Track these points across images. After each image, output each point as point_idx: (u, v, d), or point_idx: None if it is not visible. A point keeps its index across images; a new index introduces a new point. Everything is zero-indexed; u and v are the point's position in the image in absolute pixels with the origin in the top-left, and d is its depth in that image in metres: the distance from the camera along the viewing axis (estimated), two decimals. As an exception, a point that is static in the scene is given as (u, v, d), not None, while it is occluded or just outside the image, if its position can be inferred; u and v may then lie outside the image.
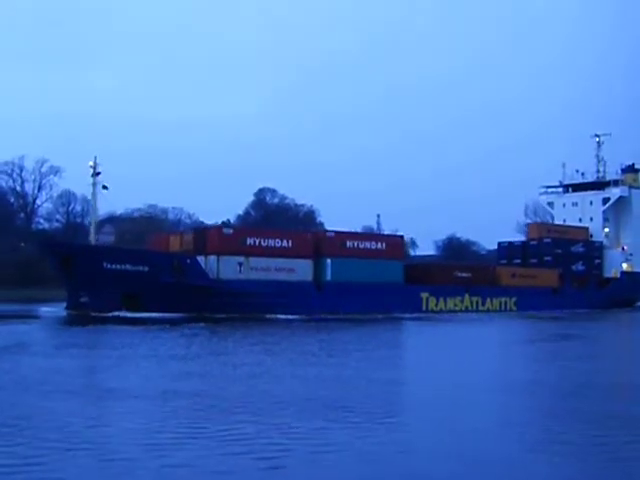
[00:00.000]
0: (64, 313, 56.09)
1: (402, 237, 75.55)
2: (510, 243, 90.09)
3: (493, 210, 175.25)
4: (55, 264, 58.09)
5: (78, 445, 13.47)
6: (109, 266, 55.43)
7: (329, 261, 64.00)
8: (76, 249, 57.22)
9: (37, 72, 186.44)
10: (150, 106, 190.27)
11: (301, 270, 62.40)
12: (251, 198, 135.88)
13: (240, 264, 59.31)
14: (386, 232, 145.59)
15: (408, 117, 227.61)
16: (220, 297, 56.68)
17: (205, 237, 60.21)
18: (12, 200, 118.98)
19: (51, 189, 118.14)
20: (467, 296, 72.75)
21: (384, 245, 67.84)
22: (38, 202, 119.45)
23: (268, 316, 55.85)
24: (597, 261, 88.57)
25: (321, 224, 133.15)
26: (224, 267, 58.46)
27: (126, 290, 54.76)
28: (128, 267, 55.71)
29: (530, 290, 76.39)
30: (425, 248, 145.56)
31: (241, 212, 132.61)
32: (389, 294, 65.78)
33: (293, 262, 61.88)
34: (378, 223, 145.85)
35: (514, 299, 76.16)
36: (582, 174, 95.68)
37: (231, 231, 61.19)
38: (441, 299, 70.83)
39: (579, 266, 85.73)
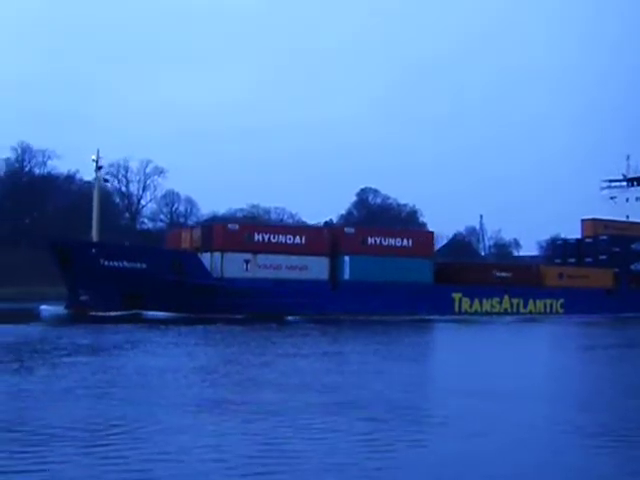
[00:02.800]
0: (63, 312, 53.85)
1: (432, 233, 70.29)
2: (564, 241, 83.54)
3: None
4: (55, 261, 55.75)
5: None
6: (107, 263, 52.78)
7: (347, 259, 59.59)
8: (73, 245, 54.80)
9: (143, 73, 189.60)
10: (257, 111, 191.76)
11: (315, 268, 58.23)
12: (354, 198, 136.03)
13: (247, 262, 55.68)
14: (489, 233, 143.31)
15: (505, 111, 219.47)
16: (224, 297, 53.26)
17: (211, 233, 56.94)
18: (117, 201, 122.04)
19: (155, 189, 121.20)
20: (506, 297, 66.94)
21: (411, 242, 62.84)
22: (143, 202, 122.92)
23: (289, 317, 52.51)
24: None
25: (423, 224, 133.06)
26: (228, 265, 54.94)
27: (124, 288, 51.98)
28: (126, 264, 52.92)
29: (580, 291, 69.80)
30: (529, 248, 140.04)
31: (344, 212, 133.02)
32: (416, 295, 60.84)
33: (306, 259, 57.78)
34: (481, 223, 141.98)
35: (561, 301, 69.78)
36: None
37: (237, 226, 57.59)
38: (476, 300, 65.30)
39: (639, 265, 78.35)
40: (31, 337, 35.45)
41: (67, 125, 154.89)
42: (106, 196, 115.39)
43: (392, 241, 62.04)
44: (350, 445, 13.66)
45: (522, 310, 67.43)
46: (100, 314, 50.12)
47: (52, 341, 33.26)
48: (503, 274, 67.38)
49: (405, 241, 62.65)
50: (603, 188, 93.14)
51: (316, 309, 56.18)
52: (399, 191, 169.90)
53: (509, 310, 66.69)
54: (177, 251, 57.17)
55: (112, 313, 49.57)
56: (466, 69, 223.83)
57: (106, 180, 56.78)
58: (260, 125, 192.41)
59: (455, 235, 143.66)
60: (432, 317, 58.90)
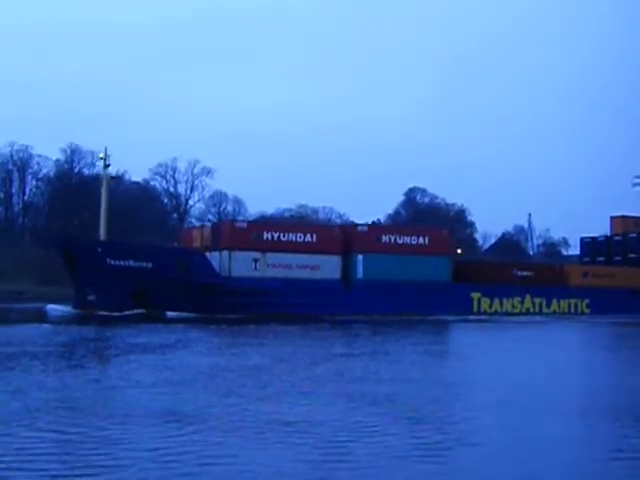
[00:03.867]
0: (71, 312, 53.16)
1: (450, 231, 68.45)
2: (593, 239, 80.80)
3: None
4: (62, 260, 55.16)
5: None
6: (113, 262, 52.01)
7: (361, 257, 58.03)
8: (78, 244, 54.14)
9: (191, 75, 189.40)
10: (305, 112, 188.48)
11: (327, 267, 56.77)
12: (401, 198, 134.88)
13: (255, 260, 54.45)
14: (537, 231, 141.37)
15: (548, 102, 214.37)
16: (231, 296, 52.12)
17: (220, 231, 55.86)
18: (166, 201, 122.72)
19: (203, 190, 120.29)
20: (528, 297, 64.74)
21: (427, 240, 61.03)
22: (190, 202, 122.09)
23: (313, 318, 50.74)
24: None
25: (471, 223, 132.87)
26: (236, 263, 53.74)
27: (130, 288, 51.15)
28: (132, 263, 52.08)
29: (607, 291, 67.17)
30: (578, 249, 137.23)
31: (391, 212, 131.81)
32: (432, 294, 59.03)
33: (318, 258, 56.34)
34: (529, 222, 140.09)
35: (586, 301, 67.32)
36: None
37: (245, 224, 56.40)
38: (496, 300, 63.24)
39: (671, 265, 75.27)
40: (75, 337, 34.98)
41: (116, 126, 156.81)
42: (154, 197, 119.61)
43: (407, 239, 60.31)
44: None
45: (545, 310, 65.18)
46: (107, 314, 49.60)
47: (98, 340, 33.42)
48: (524, 273, 65.22)
49: (421, 239, 60.88)
50: (635, 185, 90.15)
51: (328, 309, 54.77)
52: (447, 190, 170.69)
53: (531, 310, 64.50)
54: (184, 250, 56.21)
55: (118, 313, 49.02)
56: (509, 64, 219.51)
57: (113, 177, 55.36)
58: (309, 125, 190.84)
59: (503, 234, 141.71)
60: (450, 317, 57.15)
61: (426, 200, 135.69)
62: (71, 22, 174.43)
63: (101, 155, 55.61)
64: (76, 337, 35.28)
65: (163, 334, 36.79)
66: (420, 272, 59.19)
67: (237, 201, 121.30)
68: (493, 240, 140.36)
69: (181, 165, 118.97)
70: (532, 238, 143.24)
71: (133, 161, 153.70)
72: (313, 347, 33.00)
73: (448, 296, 60.06)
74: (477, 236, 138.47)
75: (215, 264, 54.40)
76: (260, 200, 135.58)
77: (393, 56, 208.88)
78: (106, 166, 55.74)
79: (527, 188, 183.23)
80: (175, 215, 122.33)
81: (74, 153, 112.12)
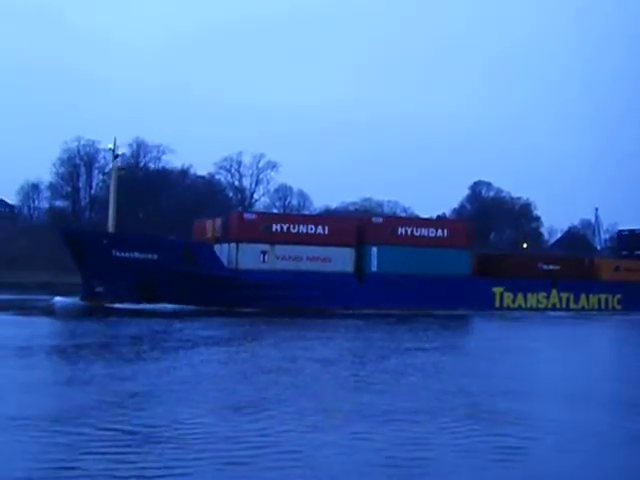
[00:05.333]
0: (78, 304, 52.47)
1: (471, 223, 65.89)
2: (631, 232, 77.18)
3: None
4: (69, 252, 54.53)
5: None
6: (119, 254, 51.13)
7: (375, 250, 56.10)
8: (85, 236, 53.43)
9: (257, 73, 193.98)
10: (370, 106, 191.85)
11: (339, 260, 54.97)
12: (466, 192, 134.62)
13: (264, 253, 52.96)
14: (605, 226, 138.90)
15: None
16: (237, 289, 50.76)
17: (229, 223, 54.54)
18: (231, 195, 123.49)
19: (268, 183, 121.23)
20: (554, 292, 61.91)
21: (446, 232, 58.69)
22: (255, 196, 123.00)
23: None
24: None
25: (537, 217, 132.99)
26: (243, 256, 52.33)
27: (136, 280, 50.30)
28: (137, 255, 51.12)
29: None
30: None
31: (456, 206, 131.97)
32: (452, 288, 56.81)
33: (330, 251, 54.58)
34: (596, 217, 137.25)
35: (618, 296, 64.14)
36: None
37: (254, 216, 54.74)
38: (519, 295, 60.57)
39: None
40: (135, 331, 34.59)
41: (182, 123, 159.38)
42: (219, 190, 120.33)
43: (425, 231, 58.08)
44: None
45: (572, 306, 62.25)
46: (114, 306, 48.82)
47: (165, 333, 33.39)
48: (550, 267, 62.37)
49: (440, 231, 58.59)
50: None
51: (341, 303, 53.15)
52: (513, 184, 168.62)
53: (557, 306, 61.66)
54: (189, 242, 55.04)
55: (125, 305, 48.24)
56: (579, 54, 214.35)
57: (122, 169, 54.50)
58: (373, 119, 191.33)
59: (570, 229, 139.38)
60: (471, 312, 55.08)
61: (491, 194, 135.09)
62: (138, 21, 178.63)
63: (110, 146, 54.86)
64: (144, 330, 34.89)
65: (249, 327, 37.72)
66: (438, 265, 57.02)
67: (302, 195, 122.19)
68: (559, 235, 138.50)
69: (246, 159, 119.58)
70: (599, 232, 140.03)
71: (199, 156, 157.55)
72: (384, 340, 32.86)
73: (468, 291, 57.76)
74: (543, 230, 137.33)
75: (224, 256, 53.19)
76: (325, 194, 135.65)
77: (454, 50, 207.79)
78: (115, 157, 54.91)
79: (595, 181, 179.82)
80: (240, 209, 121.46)
81: (140, 147, 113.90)
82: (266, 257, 52.92)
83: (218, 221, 56.83)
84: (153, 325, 37.24)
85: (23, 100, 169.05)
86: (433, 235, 58.22)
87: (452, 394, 18.00)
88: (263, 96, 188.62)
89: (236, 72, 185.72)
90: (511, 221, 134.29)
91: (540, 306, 60.98)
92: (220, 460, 11.37)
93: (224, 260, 53.03)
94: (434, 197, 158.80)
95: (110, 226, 54.79)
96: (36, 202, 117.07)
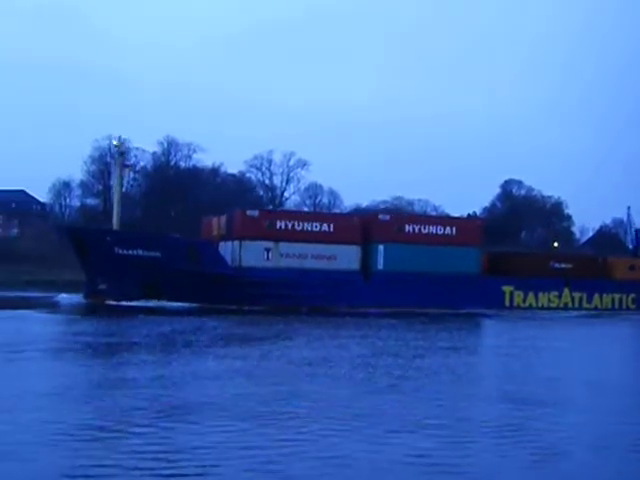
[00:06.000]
0: (82, 301, 52.40)
1: (480, 220, 64.79)
2: None
3: None
4: (73, 249, 54.39)
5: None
6: (122, 252, 50.90)
7: (381, 247, 55.31)
8: (88, 233, 53.23)
9: (287, 72, 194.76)
10: (400, 104, 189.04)
11: (345, 257, 54.24)
12: (497, 190, 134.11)
13: (267, 250, 52.39)
14: (638, 225, 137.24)
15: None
16: (240, 287, 50.24)
17: (232, 220, 54.00)
18: (261, 193, 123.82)
19: (298, 182, 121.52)
20: (567, 291, 60.68)
21: (454, 230, 57.72)
22: (286, 195, 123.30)
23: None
24: None
25: (569, 217, 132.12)
26: (247, 253, 51.83)
27: (139, 277, 50.09)
28: (140, 253, 50.83)
29: None
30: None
31: (487, 204, 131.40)
32: (460, 287, 55.88)
33: (335, 248, 53.88)
34: (629, 215, 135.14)
35: (632, 296, 62.72)
36: None
37: (256, 213, 54.09)
38: (530, 294, 59.44)
39: None
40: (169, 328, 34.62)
41: (213, 121, 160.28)
42: (250, 188, 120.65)
43: (433, 229, 57.18)
44: None
45: (585, 305, 60.98)
46: (116, 303, 48.70)
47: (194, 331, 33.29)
48: (562, 265, 61.15)
49: (448, 229, 57.64)
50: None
51: (346, 301, 52.49)
52: (544, 183, 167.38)
53: (570, 305, 60.44)
54: (193, 239, 54.64)
55: (128, 303, 48.14)
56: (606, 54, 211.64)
57: (127, 166, 54.23)
58: (404, 118, 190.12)
59: (601, 228, 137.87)
60: (479, 311, 54.08)
61: (522, 193, 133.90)
62: (170, 23, 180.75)
63: (115, 142, 54.56)
64: (175, 328, 34.86)
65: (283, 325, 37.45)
66: (446, 263, 56.09)
67: (332, 193, 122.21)
68: (591, 234, 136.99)
69: (276, 157, 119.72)
70: (631, 231, 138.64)
71: (230, 155, 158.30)
72: (418, 339, 32.55)
73: (477, 289, 56.79)
74: (574, 229, 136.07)
75: (228, 254, 52.73)
76: (355, 192, 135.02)
77: (486, 47, 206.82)
78: (120, 154, 54.58)
79: (629, 180, 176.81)
80: (271, 207, 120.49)
81: (170, 146, 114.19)
82: (270, 255, 52.37)
83: (223, 219, 56.37)
84: (184, 323, 37.34)
85: (54, 99, 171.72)
86: (441, 233, 57.31)
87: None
88: (293, 96, 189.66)
89: (267, 73, 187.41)
90: (542, 220, 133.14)
91: (552, 305, 59.83)
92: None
93: (228, 258, 52.58)
94: (465, 196, 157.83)
95: (115, 223, 54.61)
96: (67, 200, 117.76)
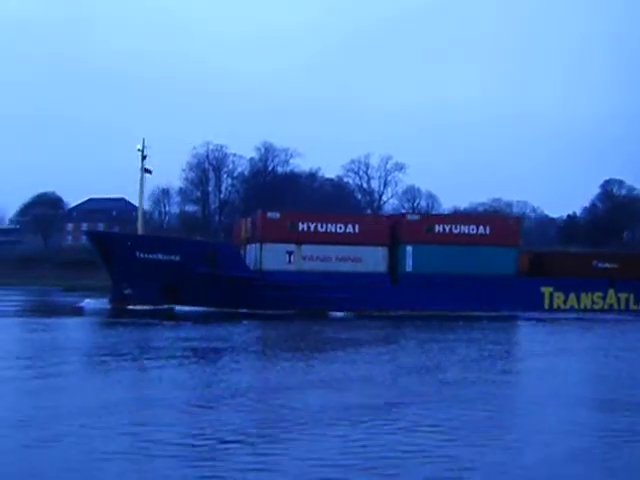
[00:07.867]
0: (107, 306, 52.02)
1: (517, 219, 61.90)
2: None
3: None
4: (97, 254, 54.27)
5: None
6: (142, 256, 50.42)
7: (410, 249, 53.30)
8: (111, 238, 52.98)
9: (381, 75, 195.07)
10: (498, 103, 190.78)
11: (371, 259, 52.48)
12: (597, 190, 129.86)
13: (290, 253, 51.07)
14: None
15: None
16: (261, 291, 49.08)
17: (255, 223, 52.95)
18: (359, 197, 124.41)
19: (396, 185, 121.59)
20: (612, 292, 57.37)
21: (489, 229, 55.23)
22: (384, 198, 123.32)
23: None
24: None
25: None
26: (268, 256, 50.64)
27: (160, 282, 49.54)
28: (160, 257, 50.25)
29: None
30: None
31: (587, 205, 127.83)
32: (495, 289, 53.40)
33: (360, 250, 52.21)
34: None
35: (684, 297, 58.92)
36: None
37: (278, 215, 52.72)
38: (572, 295, 56.36)
39: None
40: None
41: (310, 126, 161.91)
42: (347, 192, 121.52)
43: (465, 229, 54.81)
44: None
45: (632, 307, 57.45)
46: (138, 308, 48.23)
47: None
48: (607, 265, 57.83)
49: (482, 228, 55.18)
50: None
51: (373, 305, 50.80)
52: None
53: (615, 307, 57.09)
54: (212, 243, 53.92)
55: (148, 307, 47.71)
56: None
57: (147, 170, 53.80)
58: (501, 117, 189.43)
59: None
60: (517, 314, 51.57)
61: (623, 192, 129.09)
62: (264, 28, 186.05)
63: (138, 147, 54.12)
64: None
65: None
66: (480, 265, 53.71)
67: (431, 196, 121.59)
68: None
69: (374, 161, 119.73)
70: None
71: (327, 159, 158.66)
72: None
73: (514, 291, 54.15)
74: None
75: (252, 257, 51.72)
76: (454, 195, 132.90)
77: (582, 46, 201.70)
78: (143, 157, 54.18)
79: None
80: (369, 211, 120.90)
81: (268, 151, 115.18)
82: (292, 257, 51.07)
83: (248, 221, 55.41)
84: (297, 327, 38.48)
85: (151, 109, 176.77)
86: (474, 232, 54.93)
87: None
88: (390, 99, 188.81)
89: (361, 76, 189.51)
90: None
91: (595, 307, 56.63)
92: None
93: (251, 261, 51.53)
94: (565, 196, 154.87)
95: (139, 228, 54.19)
96: (167, 207, 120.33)
